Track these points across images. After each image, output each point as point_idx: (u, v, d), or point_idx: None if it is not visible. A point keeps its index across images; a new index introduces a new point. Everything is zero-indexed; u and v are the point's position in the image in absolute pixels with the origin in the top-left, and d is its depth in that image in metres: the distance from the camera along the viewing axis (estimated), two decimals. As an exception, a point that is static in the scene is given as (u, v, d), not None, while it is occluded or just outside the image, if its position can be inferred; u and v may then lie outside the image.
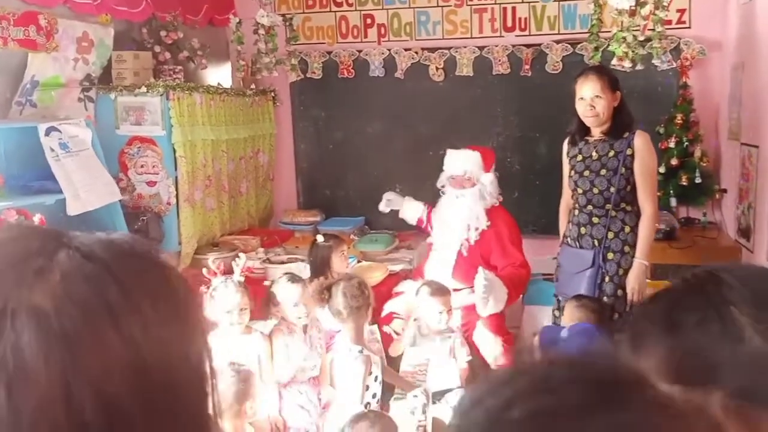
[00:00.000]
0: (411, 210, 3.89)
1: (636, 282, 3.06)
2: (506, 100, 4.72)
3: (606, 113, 3.07)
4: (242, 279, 2.88)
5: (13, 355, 0.45)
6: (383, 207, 3.92)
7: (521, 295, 3.75)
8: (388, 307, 3.52)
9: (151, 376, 0.48)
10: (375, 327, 3.26)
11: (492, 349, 3.35)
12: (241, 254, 3.20)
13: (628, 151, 3.06)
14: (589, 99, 3.06)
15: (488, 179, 3.57)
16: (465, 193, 3.54)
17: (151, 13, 4.01)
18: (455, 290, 3.48)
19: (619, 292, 3.08)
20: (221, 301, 2.78)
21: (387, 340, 3.29)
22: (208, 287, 2.84)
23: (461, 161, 3.58)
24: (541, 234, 4.32)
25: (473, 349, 3.30)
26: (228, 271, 2.99)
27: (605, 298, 3.09)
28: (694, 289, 0.60)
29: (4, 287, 0.47)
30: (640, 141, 3.07)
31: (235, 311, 2.78)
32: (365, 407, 2.71)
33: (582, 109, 3.10)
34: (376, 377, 2.82)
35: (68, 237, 0.52)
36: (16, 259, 0.49)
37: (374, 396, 2.80)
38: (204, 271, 2.87)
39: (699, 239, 4.10)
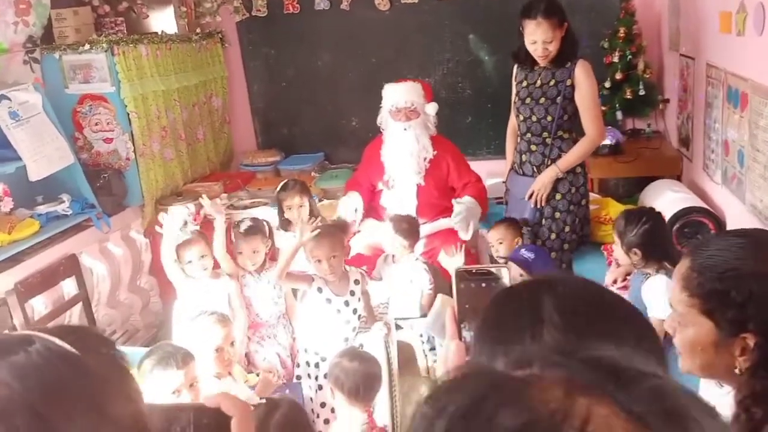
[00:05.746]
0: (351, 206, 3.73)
1: (539, 185, 3.22)
2: (454, 24, 4.73)
3: (557, 49, 3.11)
4: (197, 228, 2.98)
5: None
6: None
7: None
8: (354, 247, 3.62)
9: None
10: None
11: (457, 261, 3.50)
12: (190, 204, 3.27)
13: (568, 82, 3.13)
14: (542, 44, 3.07)
15: (432, 109, 3.62)
16: (411, 124, 3.57)
17: (86, -36, 3.90)
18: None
19: (556, 214, 3.26)
20: (185, 254, 2.90)
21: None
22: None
23: (404, 93, 3.58)
24: (495, 156, 4.45)
25: (442, 273, 3.42)
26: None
27: (544, 221, 3.28)
28: (519, 299, 0.74)
29: None
30: (580, 71, 3.12)
31: (196, 260, 2.89)
32: (345, 342, 2.83)
33: (535, 50, 3.10)
34: (356, 310, 2.89)
35: (30, 343, 0.69)
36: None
37: (354, 329, 2.88)
38: (157, 228, 2.97)
39: (643, 151, 4.27)
